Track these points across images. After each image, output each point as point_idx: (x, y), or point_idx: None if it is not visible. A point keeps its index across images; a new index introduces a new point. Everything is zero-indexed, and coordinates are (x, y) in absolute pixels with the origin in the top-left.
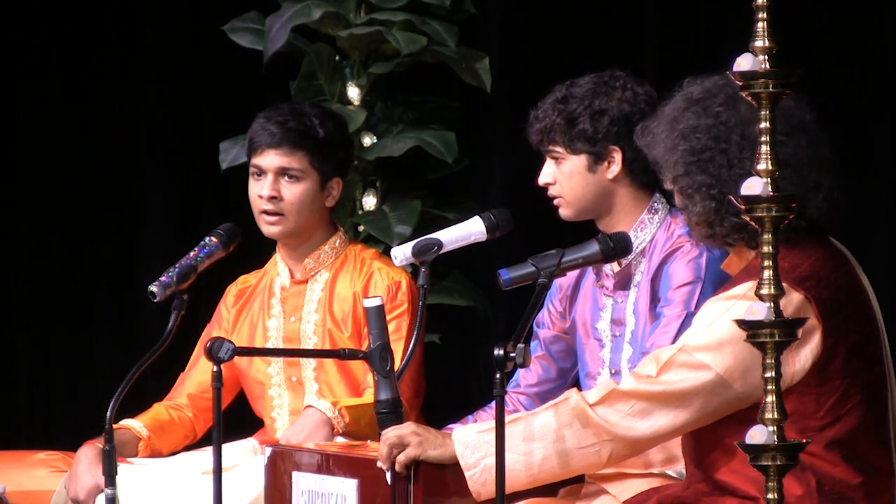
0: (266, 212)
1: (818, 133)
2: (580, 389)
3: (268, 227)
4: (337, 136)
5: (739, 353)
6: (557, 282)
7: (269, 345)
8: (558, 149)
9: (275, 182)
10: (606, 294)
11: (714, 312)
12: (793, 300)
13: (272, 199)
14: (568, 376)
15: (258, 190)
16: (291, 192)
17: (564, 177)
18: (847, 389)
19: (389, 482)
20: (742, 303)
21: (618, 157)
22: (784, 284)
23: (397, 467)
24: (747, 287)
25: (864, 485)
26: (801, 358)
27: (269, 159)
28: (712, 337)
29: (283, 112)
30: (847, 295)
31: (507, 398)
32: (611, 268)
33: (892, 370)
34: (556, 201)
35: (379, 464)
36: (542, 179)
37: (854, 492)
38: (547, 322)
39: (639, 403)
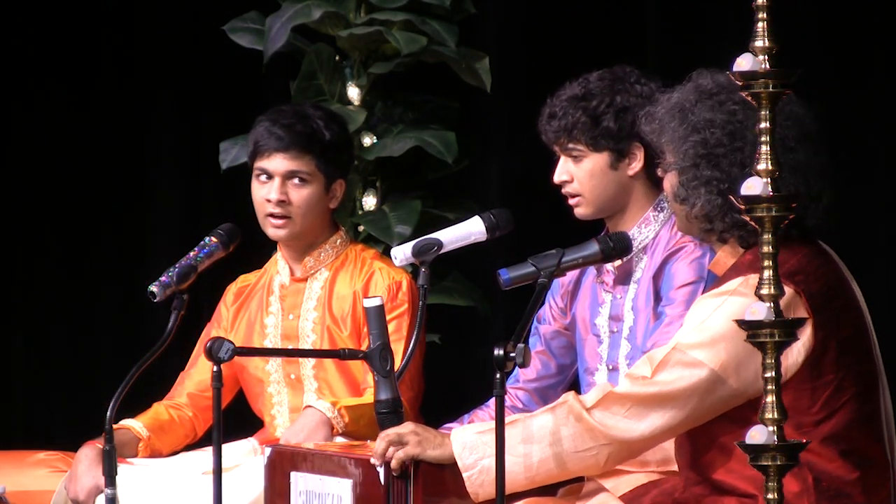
0: (273, 215)
1: (821, 142)
2: (579, 385)
3: (274, 231)
4: (341, 138)
5: (732, 348)
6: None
7: (266, 342)
8: (580, 146)
9: (282, 186)
10: (606, 290)
11: (706, 309)
12: (783, 294)
13: (280, 202)
14: (567, 373)
15: (265, 193)
16: (300, 195)
17: (585, 175)
18: (840, 383)
19: (382, 481)
20: (733, 298)
21: (640, 153)
22: None
23: (394, 464)
24: (737, 283)
25: (861, 479)
26: (794, 352)
27: (277, 163)
28: (705, 334)
29: (287, 115)
30: (835, 290)
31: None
32: (612, 263)
33: (882, 368)
34: (573, 200)
35: (372, 460)
36: (558, 177)
37: (851, 487)
38: (548, 317)
39: (635, 405)
